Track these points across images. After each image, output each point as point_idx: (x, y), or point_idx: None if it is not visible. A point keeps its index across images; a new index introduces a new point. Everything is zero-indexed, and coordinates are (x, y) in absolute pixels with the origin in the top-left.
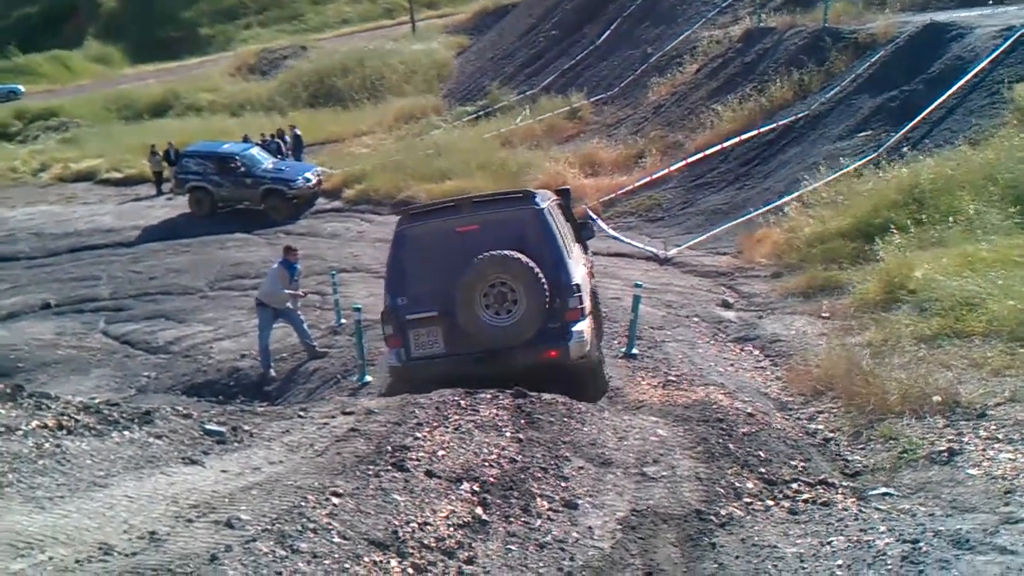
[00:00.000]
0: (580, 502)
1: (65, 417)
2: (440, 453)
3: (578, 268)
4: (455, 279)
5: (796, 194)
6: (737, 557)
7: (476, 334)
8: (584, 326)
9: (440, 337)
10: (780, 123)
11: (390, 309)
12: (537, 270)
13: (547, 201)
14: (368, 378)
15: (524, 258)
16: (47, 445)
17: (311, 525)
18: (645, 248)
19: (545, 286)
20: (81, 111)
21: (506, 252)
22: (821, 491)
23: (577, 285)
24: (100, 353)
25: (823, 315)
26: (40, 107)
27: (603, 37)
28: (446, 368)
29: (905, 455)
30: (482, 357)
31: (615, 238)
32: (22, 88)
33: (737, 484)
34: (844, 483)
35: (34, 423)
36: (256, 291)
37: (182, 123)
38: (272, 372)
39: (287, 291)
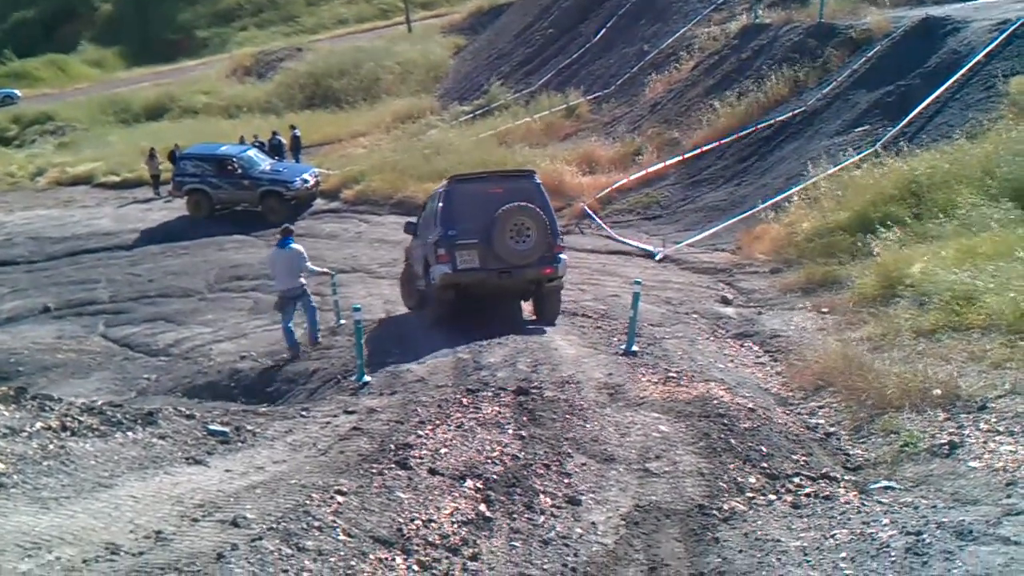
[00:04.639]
0: (583, 498)
1: (69, 419)
2: (443, 451)
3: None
4: (489, 221)
5: (794, 190)
6: (740, 551)
7: (504, 254)
8: (565, 256)
9: (477, 257)
10: (777, 119)
11: (443, 236)
12: (544, 215)
13: (540, 178)
14: (367, 378)
15: (536, 208)
16: (52, 446)
17: (316, 523)
18: (640, 246)
19: (548, 227)
20: (77, 115)
21: (526, 203)
22: (823, 485)
23: (560, 229)
24: (100, 356)
25: (822, 310)
26: (36, 111)
27: (599, 35)
28: (480, 277)
29: (906, 448)
30: (504, 271)
31: (611, 237)
32: (18, 92)
33: (739, 479)
34: (846, 477)
35: (38, 425)
36: (254, 292)
37: (179, 126)
38: (302, 350)
39: (310, 265)
